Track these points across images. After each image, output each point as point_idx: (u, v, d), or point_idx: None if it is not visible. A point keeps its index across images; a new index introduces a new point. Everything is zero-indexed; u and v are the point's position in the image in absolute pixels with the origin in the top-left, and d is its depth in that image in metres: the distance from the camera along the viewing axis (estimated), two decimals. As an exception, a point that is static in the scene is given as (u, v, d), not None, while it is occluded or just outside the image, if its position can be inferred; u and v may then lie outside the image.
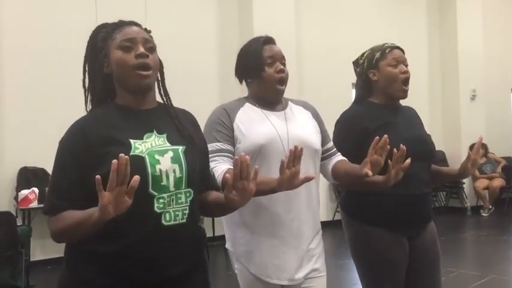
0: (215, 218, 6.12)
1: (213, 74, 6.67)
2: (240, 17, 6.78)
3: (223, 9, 6.81)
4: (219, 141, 1.84)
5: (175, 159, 1.43)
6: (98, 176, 1.20)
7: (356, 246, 2.24)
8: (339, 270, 4.84)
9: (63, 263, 1.47)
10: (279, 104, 2.00)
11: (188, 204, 1.45)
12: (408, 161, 1.83)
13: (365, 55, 2.30)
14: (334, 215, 7.01)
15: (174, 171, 1.42)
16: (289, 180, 1.55)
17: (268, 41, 1.96)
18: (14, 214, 4.51)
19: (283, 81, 1.94)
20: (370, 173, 1.76)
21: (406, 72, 2.21)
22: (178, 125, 1.53)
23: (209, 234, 6.10)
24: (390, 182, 1.85)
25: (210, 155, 1.72)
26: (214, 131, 1.85)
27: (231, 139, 1.86)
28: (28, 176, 5.37)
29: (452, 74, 8.65)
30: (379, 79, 2.23)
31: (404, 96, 2.25)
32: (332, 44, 7.55)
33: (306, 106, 2.09)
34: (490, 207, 8.17)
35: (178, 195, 1.43)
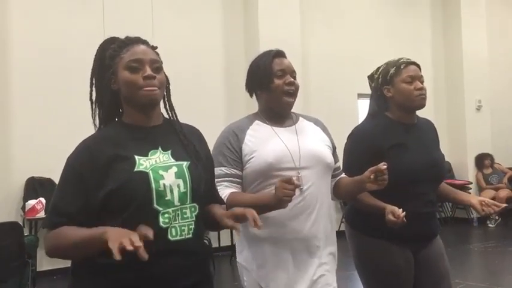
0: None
1: (219, 86, 6.69)
2: (245, 29, 6.82)
3: (228, 21, 6.85)
4: (224, 166, 1.86)
5: (179, 175, 1.45)
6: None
7: (360, 258, 2.23)
8: (346, 281, 4.81)
9: (70, 275, 1.48)
10: (289, 119, 2.01)
11: (194, 219, 1.46)
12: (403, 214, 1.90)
13: (380, 70, 2.27)
14: (340, 225, 6.99)
15: (178, 186, 1.43)
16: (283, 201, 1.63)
17: (279, 54, 1.98)
18: (21, 224, 4.53)
19: (291, 93, 1.94)
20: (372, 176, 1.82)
21: (422, 89, 2.18)
22: (183, 140, 1.55)
23: (215, 244, 6.09)
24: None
25: (216, 179, 1.75)
26: (221, 154, 1.87)
27: (238, 162, 1.88)
28: (35, 186, 5.40)
29: (458, 84, 8.64)
30: (394, 95, 2.20)
31: (423, 105, 2.20)
32: (338, 54, 7.57)
33: (317, 122, 2.10)
34: (497, 218, 8.12)
35: (184, 210, 1.44)
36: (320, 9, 7.55)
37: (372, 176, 1.82)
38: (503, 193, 8.20)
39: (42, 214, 5.13)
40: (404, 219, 1.89)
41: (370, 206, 2.07)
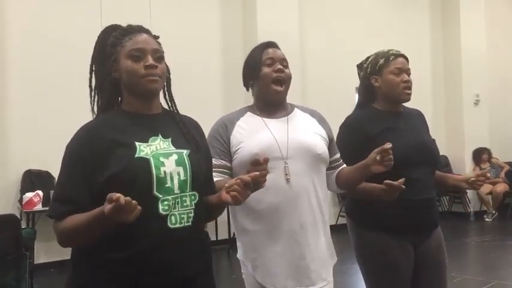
0: (218, 223, 6.13)
1: (217, 79, 6.68)
2: (244, 23, 6.79)
3: (227, 15, 6.83)
4: (213, 157, 1.83)
5: (179, 162, 1.45)
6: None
7: (360, 251, 2.24)
8: (343, 275, 4.83)
9: (70, 267, 1.47)
10: (282, 110, 1.99)
11: (193, 207, 1.46)
12: (401, 180, 1.87)
13: (369, 60, 2.30)
14: (338, 219, 7.00)
15: (179, 174, 1.43)
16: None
17: (270, 45, 1.98)
18: (19, 217, 4.52)
19: (280, 81, 1.92)
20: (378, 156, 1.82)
21: (408, 81, 2.21)
22: (183, 129, 1.55)
23: (212, 238, 6.10)
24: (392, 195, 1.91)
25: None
26: (211, 146, 1.85)
27: (227, 153, 1.89)
28: (32, 179, 5.39)
29: (456, 79, 8.64)
30: (381, 86, 2.23)
31: (408, 99, 2.24)
32: (336, 49, 7.56)
33: (314, 114, 2.08)
34: (494, 212, 8.15)
35: (183, 198, 1.44)
36: (318, 3, 7.53)
37: (377, 157, 1.81)
38: (500, 187, 8.22)
39: (39, 207, 5.13)
40: (402, 186, 1.87)
41: (368, 191, 2.05)
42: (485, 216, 8.14)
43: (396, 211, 2.11)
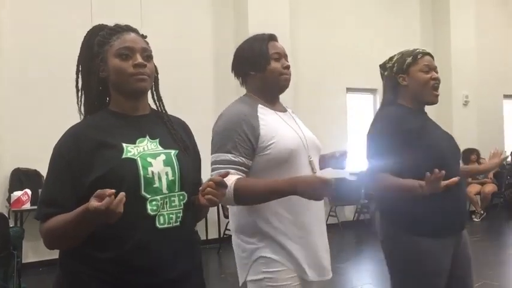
0: (208, 222, 6.13)
1: (208, 76, 6.67)
2: (235, 20, 6.79)
3: (218, 12, 6.82)
4: (231, 153, 1.76)
5: (167, 162, 1.45)
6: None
7: (398, 258, 2.14)
8: (333, 275, 4.84)
9: (58, 266, 1.46)
10: (278, 104, 1.99)
11: (182, 207, 1.46)
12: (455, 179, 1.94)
13: (394, 59, 2.29)
14: (328, 219, 7.02)
15: (167, 174, 1.43)
16: None
17: (273, 38, 1.98)
18: (7, 216, 4.48)
19: (288, 79, 1.95)
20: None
21: (437, 78, 2.23)
22: (171, 129, 1.55)
23: (202, 237, 6.09)
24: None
25: (216, 165, 1.74)
26: (229, 140, 1.77)
27: (249, 152, 1.79)
28: (21, 178, 5.35)
29: (445, 79, 8.63)
30: (409, 84, 2.23)
31: (436, 101, 2.26)
32: (327, 48, 7.58)
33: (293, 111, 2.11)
34: (482, 212, 8.21)
35: (172, 198, 1.44)
36: (309, 2, 7.55)
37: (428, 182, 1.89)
38: (489, 188, 8.29)
39: (28, 205, 5.10)
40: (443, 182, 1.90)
41: (403, 187, 2.03)
42: (473, 216, 8.19)
43: (443, 208, 2.07)
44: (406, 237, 2.10)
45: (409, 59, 2.24)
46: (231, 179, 1.70)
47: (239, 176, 1.75)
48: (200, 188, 1.43)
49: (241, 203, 1.76)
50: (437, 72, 2.25)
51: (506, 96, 9.92)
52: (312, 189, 1.62)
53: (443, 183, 1.90)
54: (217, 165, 1.78)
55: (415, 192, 1.97)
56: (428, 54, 2.28)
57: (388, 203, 2.19)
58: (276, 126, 1.86)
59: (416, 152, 2.06)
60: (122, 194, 1.21)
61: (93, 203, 1.19)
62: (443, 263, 2.10)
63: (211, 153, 1.83)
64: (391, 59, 2.31)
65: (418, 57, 2.24)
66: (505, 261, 5.73)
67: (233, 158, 1.76)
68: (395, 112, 2.20)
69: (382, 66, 2.35)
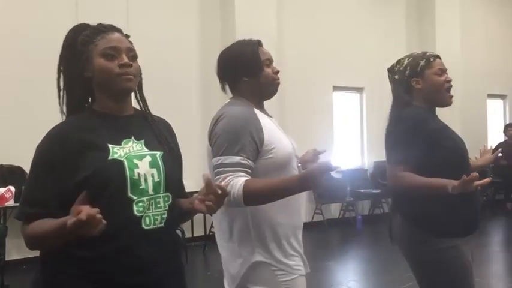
0: (194, 220, 6.12)
1: (194, 77, 6.65)
2: (222, 21, 6.76)
3: (205, 13, 6.80)
4: (239, 155, 1.74)
5: (153, 164, 1.44)
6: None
7: (428, 261, 2.13)
8: (318, 272, 4.87)
9: (39, 265, 1.44)
10: (264, 109, 2.00)
11: (167, 208, 1.46)
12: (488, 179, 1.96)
13: (405, 63, 2.28)
14: (313, 216, 7.04)
15: (153, 176, 1.43)
16: None
17: (260, 43, 1.99)
18: (-11, 213, 4.44)
19: (278, 84, 1.99)
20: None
21: (450, 81, 2.26)
22: (156, 131, 1.54)
23: (188, 235, 6.08)
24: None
25: (221, 168, 1.72)
26: (237, 142, 1.75)
27: (254, 154, 1.78)
28: (4, 174, 5.30)
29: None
30: (424, 87, 2.24)
31: (450, 103, 2.27)
32: (313, 47, 7.60)
33: None
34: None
35: (157, 200, 1.44)
36: (296, 1, 7.56)
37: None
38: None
39: (11, 202, 5.05)
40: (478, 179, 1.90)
41: (430, 185, 2.02)
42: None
43: (470, 211, 2.11)
44: (430, 238, 2.09)
45: (422, 62, 2.24)
46: (240, 181, 1.69)
47: (247, 178, 1.73)
48: (199, 193, 1.41)
49: (250, 204, 1.75)
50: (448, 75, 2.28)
51: (490, 96, 10.05)
52: (318, 177, 1.57)
53: (477, 183, 1.90)
54: (224, 168, 1.73)
55: (443, 191, 1.94)
56: (439, 56, 2.31)
57: (413, 204, 2.14)
58: (274, 131, 1.88)
59: (439, 151, 2.10)
60: (95, 210, 1.16)
61: (70, 220, 1.16)
62: (469, 262, 2.15)
63: (215, 155, 1.78)
64: (399, 62, 2.30)
65: (431, 59, 2.26)
66: (489, 260, 5.80)
67: (241, 161, 1.74)
68: (418, 113, 2.19)
69: (391, 70, 2.34)
